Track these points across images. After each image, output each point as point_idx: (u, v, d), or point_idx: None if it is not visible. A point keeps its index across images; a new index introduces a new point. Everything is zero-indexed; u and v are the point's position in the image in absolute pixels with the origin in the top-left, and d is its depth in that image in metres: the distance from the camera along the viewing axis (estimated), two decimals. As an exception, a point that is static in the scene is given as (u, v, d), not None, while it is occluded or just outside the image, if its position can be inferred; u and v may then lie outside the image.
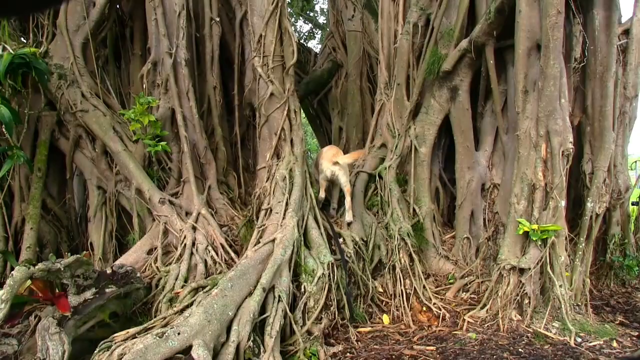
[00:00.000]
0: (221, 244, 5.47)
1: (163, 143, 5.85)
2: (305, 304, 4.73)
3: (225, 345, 3.92)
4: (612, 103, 6.04)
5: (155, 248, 5.50)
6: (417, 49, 7.09)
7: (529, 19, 5.49)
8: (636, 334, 4.94)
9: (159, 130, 5.94)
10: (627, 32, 7.49)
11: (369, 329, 5.18)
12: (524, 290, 5.01)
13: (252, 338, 4.05)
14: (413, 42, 7.08)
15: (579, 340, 4.71)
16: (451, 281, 5.92)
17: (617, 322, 5.42)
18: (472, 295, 5.70)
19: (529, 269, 4.93)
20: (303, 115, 11.02)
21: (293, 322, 4.49)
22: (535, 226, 4.95)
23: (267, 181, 5.76)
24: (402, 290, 5.55)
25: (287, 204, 5.26)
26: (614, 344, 4.69)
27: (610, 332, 4.92)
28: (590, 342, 4.67)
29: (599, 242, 6.81)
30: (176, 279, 5.01)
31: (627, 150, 7.52)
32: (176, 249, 5.45)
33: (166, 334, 3.57)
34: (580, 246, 5.45)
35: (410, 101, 6.69)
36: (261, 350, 4.07)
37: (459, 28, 6.58)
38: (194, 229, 5.50)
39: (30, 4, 0.73)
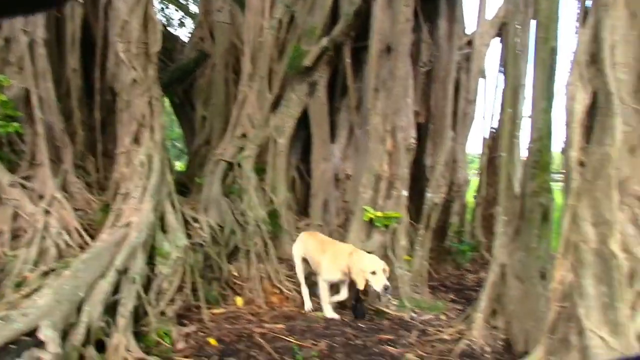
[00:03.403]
0: (75, 228, 5.40)
1: (15, 124, 5.64)
2: (160, 286, 4.83)
3: (76, 326, 3.93)
4: (452, 105, 6.68)
5: (1, 233, 5.30)
6: (281, 44, 7.38)
7: (382, 24, 5.95)
8: (461, 308, 5.54)
9: (11, 110, 5.71)
10: (470, 43, 8.24)
11: (222, 310, 5.36)
12: (367, 272, 5.45)
13: (104, 319, 4.08)
14: (277, 37, 7.35)
15: (414, 315, 5.26)
16: (303, 266, 6.25)
17: (448, 299, 6.05)
18: (323, 279, 6.06)
19: (373, 252, 5.37)
20: (168, 103, 10.93)
21: (146, 304, 4.57)
22: (379, 213, 5.41)
23: (125, 166, 5.75)
24: (256, 274, 5.78)
25: (144, 188, 5.31)
26: (442, 316, 5.33)
27: (441, 307, 5.53)
28: (423, 317, 5.24)
29: (440, 230, 7.48)
30: (25, 263, 4.88)
31: (467, 147, 8.29)
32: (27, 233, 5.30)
33: (10, 317, 3.52)
34: (421, 232, 6.00)
35: (272, 94, 6.97)
36: (113, 331, 4.12)
37: (321, 27, 6.94)
38: (47, 212, 5.37)
39: (30, 4, 0.72)
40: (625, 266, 3.25)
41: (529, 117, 4.54)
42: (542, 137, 4.38)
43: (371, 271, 4.75)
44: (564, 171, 3.71)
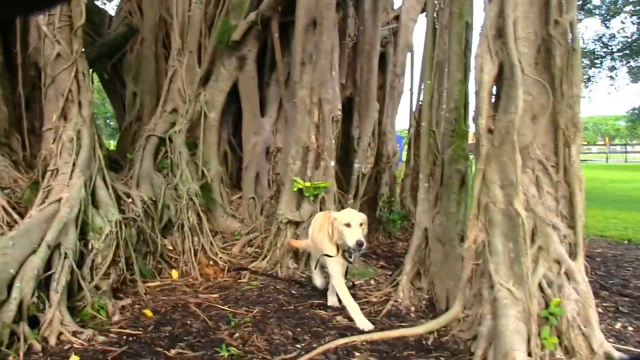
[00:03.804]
0: (2, 206, 5.34)
1: None
2: (93, 260, 4.87)
3: (7, 303, 3.95)
4: (379, 78, 6.93)
5: None
6: (210, 18, 7.38)
7: (308, -2, 6.08)
8: (390, 273, 5.83)
9: None
10: (398, 18, 8.48)
11: (158, 283, 5.47)
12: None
13: (36, 294, 4.12)
14: (206, 12, 7.36)
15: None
16: (237, 237, 6.41)
17: (379, 266, 6.34)
18: (257, 250, 6.24)
19: (303, 221, 5.58)
20: (97, 80, 10.72)
21: (80, 278, 4.61)
22: (308, 184, 5.61)
23: (53, 143, 5.69)
24: (190, 247, 5.90)
25: (74, 164, 5.29)
26: (372, 281, 5.61)
27: (372, 273, 5.81)
28: (354, 281, 5.48)
29: (371, 200, 7.77)
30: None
31: (395, 120, 8.59)
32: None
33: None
34: (350, 202, 6.25)
35: (201, 68, 7.00)
36: (47, 306, 4.17)
37: (249, 1, 6.99)
38: (-31, 191, 5.30)
39: (30, 5, 0.71)
40: (528, 224, 3.56)
41: (446, 88, 4.80)
42: (457, 107, 4.65)
43: (345, 223, 4.33)
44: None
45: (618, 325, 4.56)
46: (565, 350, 3.58)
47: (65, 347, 3.87)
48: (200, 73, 6.98)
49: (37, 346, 3.83)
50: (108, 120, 35.59)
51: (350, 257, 4.56)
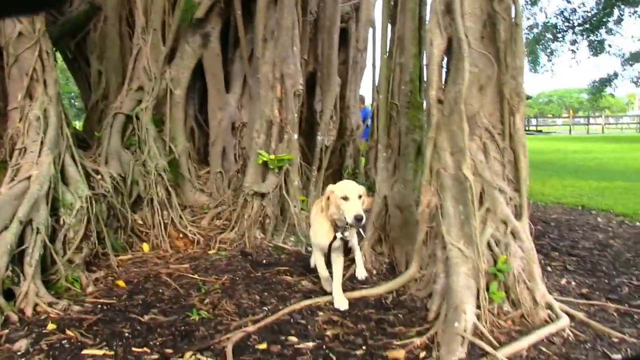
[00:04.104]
0: (-30, 185, 5.42)
1: None
2: (65, 235, 5.02)
3: (-19, 278, 4.10)
4: (340, 53, 7.12)
5: None
6: (173, -5, 7.45)
7: (269, -25, 6.21)
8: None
9: None
10: (359, -7, 8.64)
11: (129, 256, 5.64)
12: (265, 212, 5.88)
13: (10, 268, 4.27)
14: (169, -11, 7.42)
15: (310, 249, 5.72)
16: (206, 211, 6.60)
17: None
18: (225, 222, 6.44)
19: (268, 193, 5.79)
20: (60, 59, 10.67)
21: (53, 252, 4.76)
22: (272, 156, 5.81)
23: (20, 122, 5.76)
24: (160, 221, 6.06)
25: (42, 143, 5.39)
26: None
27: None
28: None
29: (336, 172, 8.01)
30: None
31: (359, 93, 8.80)
32: None
33: None
34: (314, 173, 6.48)
35: (166, 46, 7.09)
36: (21, 279, 4.32)
37: (212, -22, 7.07)
38: (-61, 173, 5.37)
39: (30, 5, 0.69)
40: (476, 188, 3.83)
41: (402, 62, 5.02)
42: (412, 80, 4.89)
43: (342, 196, 3.91)
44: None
45: (563, 281, 4.91)
46: (512, 303, 3.89)
47: (42, 317, 4.04)
48: (165, 51, 7.07)
49: (14, 317, 3.98)
50: (73, 100, 35.03)
51: (343, 234, 4.16)
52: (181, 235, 6.06)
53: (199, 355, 3.42)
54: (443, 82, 4.10)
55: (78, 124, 16.97)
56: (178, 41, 7.17)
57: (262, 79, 6.00)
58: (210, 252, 5.74)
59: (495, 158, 3.99)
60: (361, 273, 4.81)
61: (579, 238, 6.81)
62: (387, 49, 5.25)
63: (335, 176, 7.92)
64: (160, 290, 4.62)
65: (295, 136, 5.88)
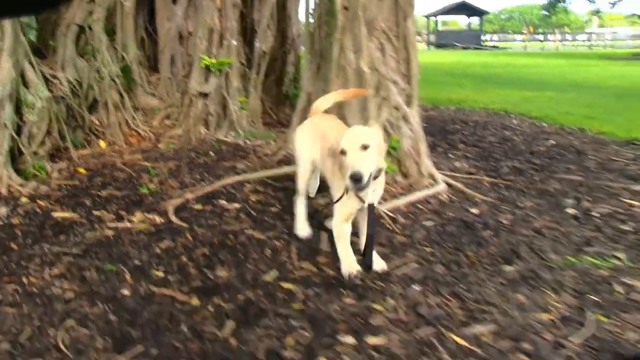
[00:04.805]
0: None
1: None
2: (30, 131, 5.72)
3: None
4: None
5: None
6: None
7: None
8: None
9: None
10: None
11: (88, 151, 6.38)
12: (208, 110, 6.67)
13: (-17, 158, 5.02)
14: None
15: (248, 142, 6.57)
16: (157, 112, 7.32)
17: (279, 130, 7.41)
18: (174, 122, 7.18)
19: (210, 93, 6.55)
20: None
21: (20, 145, 5.49)
22: (213, 60, 6.53)
23: (-21, 31, 6.31)
24: (115, 121, 6.78)
25: (0, 50, 5.98)
26: (272, 142, 6.65)
27: (272, 136, 6.89)
28: (255, 142, 6.57)
29: (278, 79, 8.74)
30: None
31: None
32: None
33: None
34: (253, 77, 7.23)
35: (113, -41, 7.55)
36: (-6, 167, 5.07)
37: None
38: None
39: (31, 5, 0.67)
40: (372, 80, 4.68)
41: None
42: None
43: (340, 150, 3.02)
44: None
45: (457, 164, 5.90)
46: (403, 174, 4.83)
47: (16, 195, 4.83)
48: (113, -37, 7.52)
49: (-10, 195, 4.78)
50: (25, 17, 34.14)
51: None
52: (134, 133, 6.80)
53: (147, 215, 4.30)
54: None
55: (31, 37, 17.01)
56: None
57: (205, -11, 6.63)
58: (160, 145, 6.53)
59: (391, 56, 4.82)
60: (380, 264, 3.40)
61: (488, 135, 7.79)
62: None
63: (277, 82, 8.66)
64: (116, 175, 5.43)
65: (234, 42, 6.58)
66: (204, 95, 6.60)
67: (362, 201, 3.20)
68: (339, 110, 5.00)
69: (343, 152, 2.99)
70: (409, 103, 4.85)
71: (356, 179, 2.84)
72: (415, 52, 4.84)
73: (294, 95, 8.67)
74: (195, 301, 3.00)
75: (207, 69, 6.62)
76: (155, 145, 6.58)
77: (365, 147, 2.96)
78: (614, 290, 3.17)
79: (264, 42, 7.13)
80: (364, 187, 2.94)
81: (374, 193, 3.21)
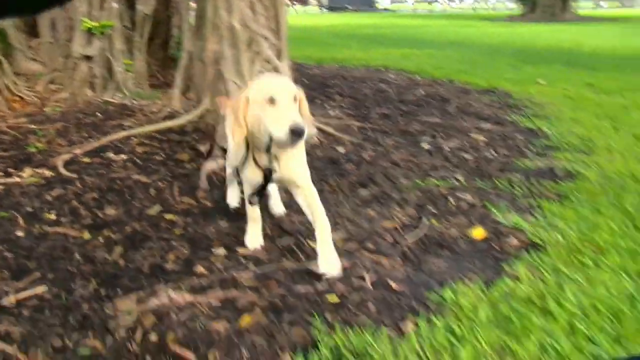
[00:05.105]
0: None
1: None
2: None
3: None
4: None
5: None
6: None
7: None
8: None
9: None
10: None
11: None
12: (93, 72, 6.82)
13: None
14: None
15: (134, 102, 6.79)
16: (40, 77, 7.35)
17: (165, 92, 7.61)
18: (59, 86, 7.24)
19: (95, 55, 6.70)
20: None
21: None
22: (95, 23, 6.67)
23: None
24: (-3, 87, 6.78)
25: None
26: (158, 101, 6.88)
27: (158, 96, 7.10)
28: (141, 103, 6.80)
29: (164, 42, 8.91)
30: None
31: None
32: None
33: None
34: (137, 39, 7.40)
35: None
36: None
37: None
38: None
39: (31, 5, 0.68)
40: (244, 36, 5.09)
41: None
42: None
43: (268, 97, 2.52)
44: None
45: (332, 113, 6.45)
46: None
47: None
48: None
49: None
50: None
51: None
52: (17, 99, 6.82)
53: (36, 170, 4.53)
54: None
55: None
56: None
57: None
58: (45, 109, 6.62)
59: (262, 14, 5.24)
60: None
61: (365, 88, 8.42)
62: None
63: (163, 45, 8.82)
64: (1, 138, 5.53)
65: (115, 5, 6.74)
66: (88, 58, 6.73)
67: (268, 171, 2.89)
68: (214, 65, 5.38)
69: (272, 101, 2.50)
70: (279, 57, 5.31)
71: (297, 131, 2.40)
72: (284, 10, 5.30)
73: (179, 57, 8.88)
74: (86, 235, 3.35)
75: (90, 32, 6.74)
76: (41, 109, 6.65)
77: (296, 99, 2.58)
78: (448, 203, 3.85)
79: (145, 5, 7.30)
80: (300, 141, 2.49)
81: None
